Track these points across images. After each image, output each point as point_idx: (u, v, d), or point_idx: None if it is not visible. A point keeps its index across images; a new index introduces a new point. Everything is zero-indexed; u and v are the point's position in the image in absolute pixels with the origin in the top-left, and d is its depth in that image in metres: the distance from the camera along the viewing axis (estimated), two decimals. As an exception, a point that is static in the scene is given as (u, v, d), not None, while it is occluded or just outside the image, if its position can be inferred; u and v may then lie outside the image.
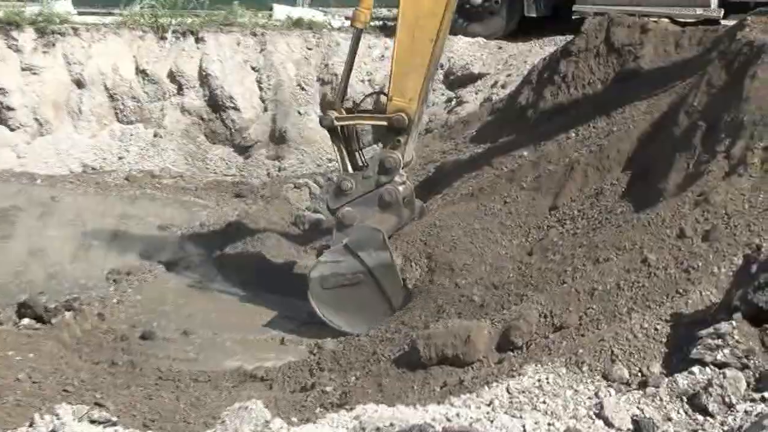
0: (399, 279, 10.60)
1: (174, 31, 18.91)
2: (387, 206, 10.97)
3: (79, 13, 20.17)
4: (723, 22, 16.28)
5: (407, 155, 11.08)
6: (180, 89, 18.42)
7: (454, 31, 15.48)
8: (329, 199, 11.36)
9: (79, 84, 18.29)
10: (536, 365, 6.95)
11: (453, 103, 16.81)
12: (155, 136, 18.18)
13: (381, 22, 19.73)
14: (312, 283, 10.75)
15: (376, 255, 10.55)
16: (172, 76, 18.50)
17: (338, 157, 11.28)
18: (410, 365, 8.27)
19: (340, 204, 11.03)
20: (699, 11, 16.97)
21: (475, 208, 11.26)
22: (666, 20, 15.85)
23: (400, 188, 11.03)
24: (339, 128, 11.16)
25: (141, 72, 18.53)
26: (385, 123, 11.08)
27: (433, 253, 10.67)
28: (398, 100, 10.85)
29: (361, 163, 11.26)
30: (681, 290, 7.41)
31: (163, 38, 18.88)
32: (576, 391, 6.52)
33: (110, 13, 20.05)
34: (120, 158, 17.91)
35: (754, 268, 6.43)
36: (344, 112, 11.29)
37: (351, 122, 11.31)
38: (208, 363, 10.11)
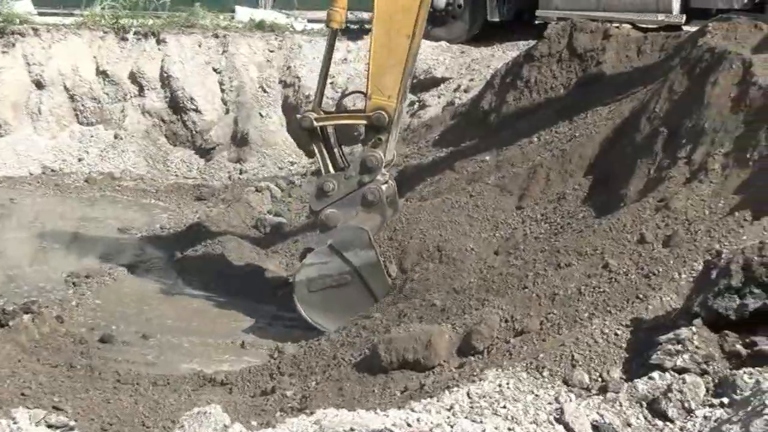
0: (386, 278, 10.57)
1: (135, 32, 18.81)
2: (370, 205, 10.85)
3: (40, 14, 20.05)
4: (685, 28, 16.37)
5: (389, 153, 10.97)
6: (141, 91, 18.32)
7: None
8: (311, 201, 11.25)
9: (39, 85, 18.15)
10: (497, 370, 6.95)
11: (416, 107, 16.81)
12: (116, 137, 18.05)
13: (344, 26, 19.67)
14: (298, 286, 10.68)
15: (362, 254, 10.51)
16: (133, 78, 18.40)
17: (319, 158, 11.15)
18: (371, 370, 8.25)
19: (322, 206, 10.90)
20: (661, 17, 17.09)
21: (441, 202, 11.26)
22: (628, 26, 15.96)
23: (383, 187, 10.93)
24: (319, 129, 11.06)
25: (101, 73, 18.42)
26: (365, 122, 10.95)
27: (401, 247, 10.69)
28: (377, 98, 10.74)
29: (342, 164, 11.17)
30: (641, 296, 7.42)
31: (124, 39, 18.77)
32: (536, 396, 6.51)
33: (71, 14, 19.92)
34: (80, 160, 17.76)
35: (714, 273, 6.44)
36: (323, 113, 11.21)
37: (331, 122, 11.26)
38: (167, 367, 10.04)
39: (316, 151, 11.18)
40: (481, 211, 10.96)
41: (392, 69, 10.68)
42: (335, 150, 11.28)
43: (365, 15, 19.41)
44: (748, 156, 8.77)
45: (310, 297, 10.61)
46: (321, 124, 11.08)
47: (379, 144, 10.86)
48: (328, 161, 11.09)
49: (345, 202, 10.87)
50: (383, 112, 10.72)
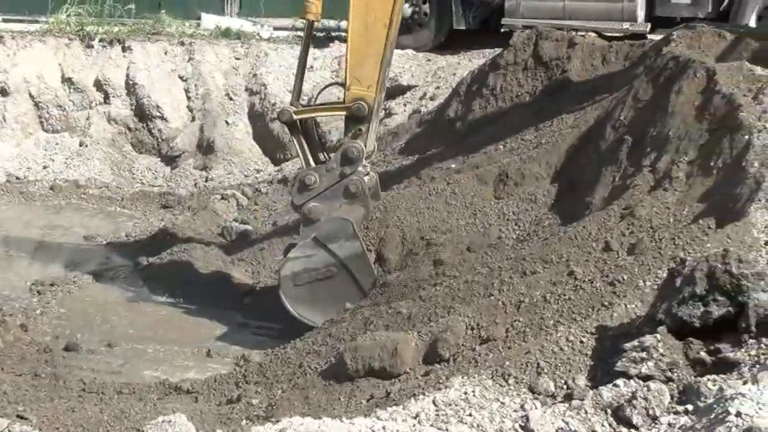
0: (372, 268, 10.56)
1: (100, 40, 18.76)
2: (353, 197, 10.76)
3: (4, 20, 20.00)
4: (650, 36, 16.47)
5: (369, 144, 10.91)
6: (106, 98, 18.26)
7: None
8: (293, 195, 11.13)
9: (4, 92, 18.08)
10: (463, 378, 6.94)
11: (382, 114, 16.80)
12: (81, 145, 17.99)
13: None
14: (283, 281, 10.62)
15: (347, 246, 10.46)
16: (98, 85, 18.34)
17: (299, 152, 11.06)
18: (337, 378, 8.23)
19: (305, 200, 10.80)
20: (626, 26, 17.19)
21: (418, 190, 11.25)
22: (593, 34, 16.06)
23: (365, 178, 10.87)
24: (298, 122, 10.97)
25: (67, 80, 18.36)
26: (345, 113, 10.86)
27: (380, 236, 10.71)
28: (357, 89, 10.67)
29: (323, 157, 11.09)
30: (606, 303, 7.44)
31: (89, 46, 18.71)
32: (502, 403, 6.51)
33: (36, 21, 19.87)
34: (45, 167, 17.69)
35: (678, 281, 6.46)
36: (301, 106, 11.14)
37: (310, 115, 11.16)
38: (132, 375, 10.00)
39: (296, 144, 11.09)
40: (459, 198, 10.96)
41: (370, 59, 10.62)
42: (316, 143, 11.19)
43: (331, 23, 19.48)
44: (711, 164, 8.83)
45: (296, 291, 10.55)
46: (300, 117, 10.98)
47: (360, 135, 10.78)
48: (309, 155, 11.00)
49: (327, 194, 10.78)
50: (363, 103, 10.66)
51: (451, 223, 10.73)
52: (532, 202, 10.66)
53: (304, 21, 11.23)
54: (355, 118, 10.77)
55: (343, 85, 10.99)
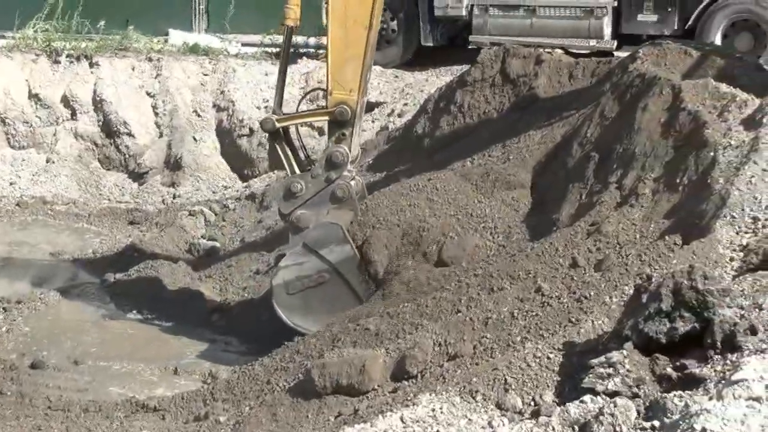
0: (364, 271, 10.46)
1: (68, 56, 18.71)
2: (341, 202, 10.68)
3: (-29, 36, 19.90)
4: (616, 53, 16.56)
5: (353, 149, 10.83)
6: (73, 114, 18.21)
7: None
8: (280, 204, 11.07)
9: (-30, 108, 18.01)
10: (430, 394, 6.94)
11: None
12: (48, 161, 17.92)
13: (278, 49, 19.68)
14: (276, 290, 10.53)
15: (338, 250, 10.39)
16: (65, 101, 18.29)
17: (284, 160, 11.00)
18: (305, 395, 8.21)
19: (292, 207, 10.73)
20: (593, 43, 17.29)
21: (399, 186, 11.21)
22: (560, 51, 16.09)
23: (352, 183, 10.80)
24: (281, 130, 10.93)
25: (33, 96, 18.30)
26: (327, 118, 10.78)
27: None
28: (339, 93, 10.59)
29: (307, 164, 11.02)
30: (573, 319, 7.46)
31: (56, 62, 18.67)
32: (470, 420, 6.52)
33: (2, 36, 19.80)
34: (11, 184, 17.62)
35: (644, 297, 6.49)
36: (283, 114, 11.08)
37: (293, 122, 11.10)
38: (99, 393, 9.96)
39: (280, 152, 11.03)
40: (441, 194, 10.91)
41: (351, 62, 10.56)
42: (299, 151, 11.14)
43: (299, 39, 19.48)
44: (677, 181, 8.88)
45: (290, 300, 10.46)
46: (283, 124, 10.94)
47: (344, 139, 10.70)
48: (293, 162, 10.95)
49: (315, 201, 10.70)
50: (345, 107, 10.58)
51: (431, 222, 10.62)
52: (514, 210, 10.67)
53: (283, 27, 11.12)
54: (338, 123, 10.68)
55: (324, 90, 10.90)
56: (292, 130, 11.16)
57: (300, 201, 10.73)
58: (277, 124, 10.89)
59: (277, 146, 11.08)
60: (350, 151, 10.72)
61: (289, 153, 10.98)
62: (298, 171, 10.90)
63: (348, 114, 10.60)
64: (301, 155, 11.18)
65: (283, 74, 11.19)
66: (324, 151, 11.05)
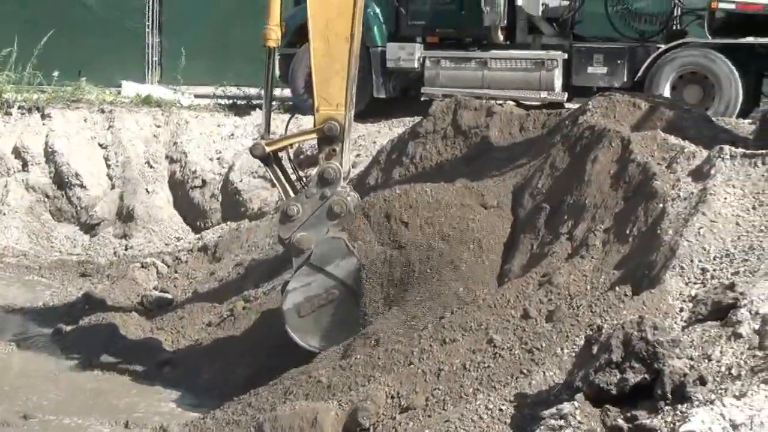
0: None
1: (19, 107, 18.65)
2: (338, 217, 10.50)
3: None
4: (567, 105, 16.70)
5: (345, 164, 10.66)
6: (25, 166, 18.14)
7: (302, 111, 15.49)
8: (279, 229, 10.87)
9: None
10: (383, 447, 6.95)
11: (304, 181, 16.84)
12: (-2, 213, 17.83)
13: (231, 101, 19.76)
14: (287, 315, 10.33)
15: (343, 264, 10.21)
16: (16, 152, 18.22)
17: (277, 184, 10.88)
18: (257, 448, 8.18)
19: (291, 231, 10.51)
20: (544, 95, 17.41)
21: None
22: (512, 103, 16.23)
23: (348, 199, 10.62)
24: (272, 154, 10.80)
25: (-16, 148, 18.21)
26: (317, 135, 10.60)
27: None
28: (326, 109, 10.45)
29: (300, 186, 10.88)
30: (525, 371, 7.49)
31: (8, 114, 18.61)
32: (422, 472, 6.52)
33: (-47, 88, 19.70)
34: (-39, 236, 17.49)
35: (595, 348, 6.53)
36: (271, 139, 10.88)
37: (282, 144, 10.94)
38: (49, 447, 9.86)
39: (273, 177, 10.93)
40: None
41: (336, 77, 10.43)
42: (291, 173, 11.02)
43: (253, 91, 19.56)
44: (627, 232, 8.96)
45: (302, 323, 10.28)
46: (272, 148, 10.79)
47: (334, 155, 10.54)
48: (287, 186, 10.82)
49: (312, 221, 10.51)
50: (334, 122, 10.43)
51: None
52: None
53: (265, 48, 10.93)
54: (328, 138, 10.52)
55: (312, 108, 10.74)
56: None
57: (298, 223, 10.53)
58: (267, 149, 10.74)
59: (269, 171, 10.96)
60: (342, 166, 10.58)
61: (282, 176, 10.86)
62: (292, 194, 10.76)
63: (337, 129, 10.46)
64: (293, 177, 11.04)
65: (269, 98, 11.13)
66: (316, 169, 10.85)
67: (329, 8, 10.42)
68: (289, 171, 11.08)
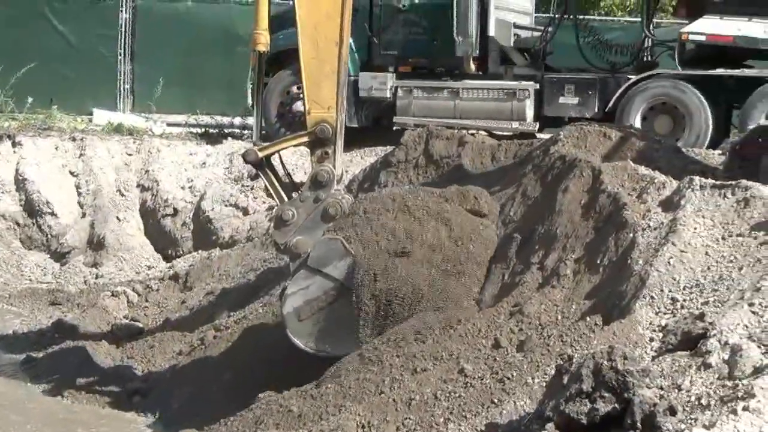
0: None
1: (-9, 135, 18.60)
2: (333, 219, 10.38)
3: None
4: (538, 135, 16.79)
5: (337, 167, 10.58)
6: (-5, 193, 18.06)
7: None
8: (274, 235, 10.81)
9: None
10: (353, 477, 6.93)
11: (274, 211, 16.83)
12: (-32, 241, 17.73)
13: (203, 129, 19.77)
14: (287, 320, 10.17)
15: (341, 265, 10.06)
16: (-13, 181, 18.14)
17: (271, 189, 10.78)
18: (227, 478, 8.15)
19: (287, 236, 10.42)
20: (515, 125, 17.52)
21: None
22: (483, 133, 16.31)
23: (343, 201, 10.53)
24: (265, 160, 10.72)
25: (-46, 175, 18.12)
26: (309, 138, 10.51)
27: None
28: (317, 112, 10.40)
29: (294, 191, 10.80)
30: (496, 400, 7.50)
31: (-22, 141, 18.53)
32: (393, 502, 6.51)
33: (-76, 116, 19.64)
34: (-70, 263, 17.39)
35: (565, 378, 6.54)
36: (262, 144, 10.83)
37: (275, 148, 10.86)
38: (17, 479, 9.79)
39: (267, 183, 10.84)
40: None
41: (326, 79, 10.39)
42: (285, 178, 10.96)
43: (225, 120, 19.58)
44: (598, 262, 8.99)
45: (303, 327, 10.11)
46: (265, 153, 10.72)
47: (327, 158, 10.48)
48: (281, 191, 10.73)
49: (308, 224, 10.40)
50: (326, 125, 10.37)
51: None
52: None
53: (254, 53, 10.91)
54: (320, 141, 10.45)
55: (303, 113, 10.70)
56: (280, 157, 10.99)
57: (293, 228, 10.44)
58: (260, 154, 10.67)
59: (263, 177, 10.87)
60: (335, 168, 10.52)
61: (275, 182, 10.78)
62: (286, 199, 10.67)
63: (329, 131, 10.40)
64: (286, 182, 10.98)
65: (260, 104, 11.11)
66: (310, 172, 10.77)
67: (318, 11, 10.40)
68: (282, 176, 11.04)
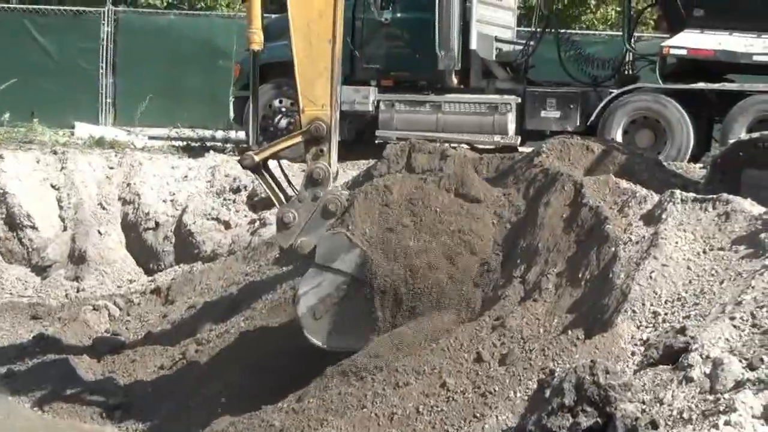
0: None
1: (-29, 148, 18.52)
2: (334, 216, 10.32)
3: None
4: (520, 149, 16.83)
5: (332, 164, 10.53)
6: (-25, 207, 17.97)
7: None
8: (278, 238, 10.81)
9: None
10: (335, 492, 6.92)
11: (256, 224, 16.80)
12: (-52, 254, 17.65)
13: (184, 143, 19.74)
14: (303, 320, 10.07)
15: (349, 258, 10.00)
16: (-33, 194, 18.06)
17: (270, 193, 10.75)
18: (209, 493, 8.13)
19: (291, 239, 10.37)
20: (497, 138, 17.57)
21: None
22: (465, 146, 16.32)
23: (341, 196, 10.45)
24: (262, 163, 10.69)
25: (-66, 189, 18.04)
26: (304, 137, 10.45)
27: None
28: (311, 110, 10.35)
29: (291, 193, 10.76)
30: (478, 414, 7.50)
31: (-41, 155, 18.45)
32: None
33: None
34: None
35: (547, 392, 6.55)
36: (258, 148, 10.79)
37: (271, 150, 10.80)
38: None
39: (265, 187, 10.83)
40: None
41: (320, 77, 10.35)
42: (281, 182, 10.90)
43: (207, 133, 19.56)
44: (580, 275, 9.00)
45: (319, 325, 10.01)
46: (262, 156, 10.68)
47: (322, 155, 10.42)
48: (279, 194, 10.71)
49: (310, 224, 10.35)
50: (320, 122, 10.32)
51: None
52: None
53: (249, 50, 10.89)
54: (315, 139, 10.39)
55: (298, 112, 10.63)
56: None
57: (296, 229, 10.39)
58: (257, 158, 10.63)
59: (261, 181, 10.86)
60: (330, 166, 10.48)
61: (273, 185, 10.75)
62: (285, 201, 10.63)
63: (324, 129, 10.34)
64: (284, 185, 10.94)
65: (255, 106, 11.10)
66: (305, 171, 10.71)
67: (310, 10, 10.36)
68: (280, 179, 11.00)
